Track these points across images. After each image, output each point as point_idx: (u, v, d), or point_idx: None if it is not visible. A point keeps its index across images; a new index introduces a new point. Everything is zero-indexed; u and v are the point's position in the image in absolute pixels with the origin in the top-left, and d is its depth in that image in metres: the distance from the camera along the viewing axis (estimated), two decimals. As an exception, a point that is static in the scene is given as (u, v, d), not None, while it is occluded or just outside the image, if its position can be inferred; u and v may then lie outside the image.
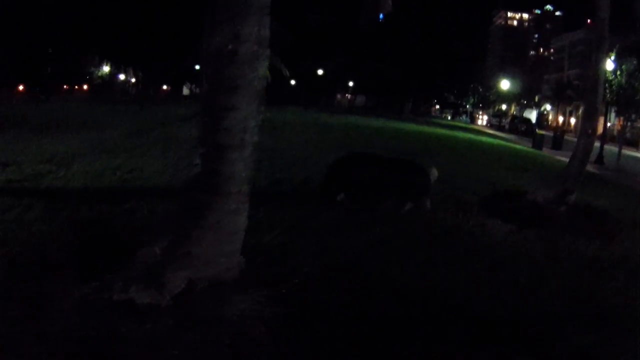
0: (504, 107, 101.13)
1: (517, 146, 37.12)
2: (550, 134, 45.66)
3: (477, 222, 10.25)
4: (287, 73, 52.67)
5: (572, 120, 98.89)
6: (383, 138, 26.92)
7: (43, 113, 26.39)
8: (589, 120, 13.47)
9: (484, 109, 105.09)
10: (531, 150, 36.23)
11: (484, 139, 39.32)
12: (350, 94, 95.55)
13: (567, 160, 30.33)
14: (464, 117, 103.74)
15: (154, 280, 5.03)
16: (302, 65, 61.68)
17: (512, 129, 67.19)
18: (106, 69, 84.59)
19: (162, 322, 4.79)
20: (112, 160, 12.82)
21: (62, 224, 7.36)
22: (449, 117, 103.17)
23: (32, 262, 5.90)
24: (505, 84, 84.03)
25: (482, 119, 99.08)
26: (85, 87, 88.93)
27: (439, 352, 5.02)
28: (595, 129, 14.18)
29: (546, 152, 36.87)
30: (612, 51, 36.58)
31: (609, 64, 37.55)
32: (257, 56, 5.24)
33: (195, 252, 5.10)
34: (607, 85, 38.30)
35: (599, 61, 13.17)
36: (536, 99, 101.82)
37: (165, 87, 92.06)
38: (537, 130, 46.96)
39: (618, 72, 37.08)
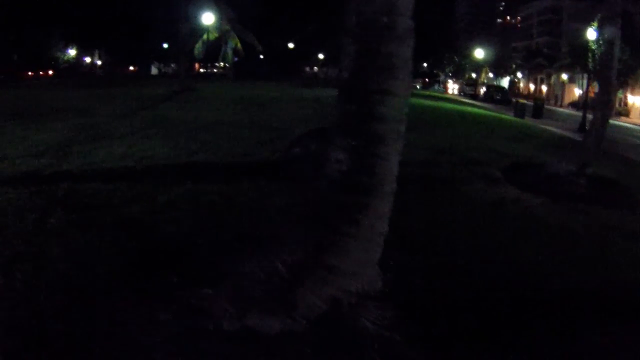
0: (473, 75, 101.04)
1: (502, 115, 36.85)
2: (526, 102, 45.73)
3: (513, 196, 10.34)
4: (260, 48, 52.03)
5: (544, 88, 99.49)
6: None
7: (16, 100, 24.90)
8: (604, 94, 13.61)
9: (456, 78, 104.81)
10: (515, 119, 36.12)
11: (468, 109, 39.04)
12: (322, 66, 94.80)
13: (552, 129, 31.07)
14: (436, 86, 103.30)
15: (280, 302, 4.18)
16: (272, 39, 60.87)
17: (488, 98, 66.86)
18: (72, 52, 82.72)
19: (305, 355, 3.89)
20: (114, 147, 11.81)
21: (96, 231, 6.34)
22: (418, 87, 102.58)
23: (80, 283, 4.94)
24: (479, 53, 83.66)
25: (454, 88, 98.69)
26: (50, 72, 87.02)
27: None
28: (612, 103, 14.64)
29: (528, 120, 36.96)
30: (594, 21, 36.74)
31: (592, 34, 37.81)
32: (411, 32, 4.31)
33: (340, 264, 4.25)
34: (589, 54, 38.54)
35: (613, 37, 13.12)
36: (513, 66, 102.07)
37: (132, 67, 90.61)
38: (518, 100, 46.83)
39: (600, 42, 37.15)
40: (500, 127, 25.39)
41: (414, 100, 40.26)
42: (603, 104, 13.55)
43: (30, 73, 79.89)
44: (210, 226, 6.72)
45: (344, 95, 4.33)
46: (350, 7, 4.27)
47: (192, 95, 29.07)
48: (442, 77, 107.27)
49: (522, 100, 44.32)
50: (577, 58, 66.48)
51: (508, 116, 37.43)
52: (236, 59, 52.87)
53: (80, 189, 8.16)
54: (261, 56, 59.09)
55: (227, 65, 59.04)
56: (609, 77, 13.47)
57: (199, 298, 4.49)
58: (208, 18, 43.11)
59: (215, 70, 77.47)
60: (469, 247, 6.97)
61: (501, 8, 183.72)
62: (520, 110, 39.43)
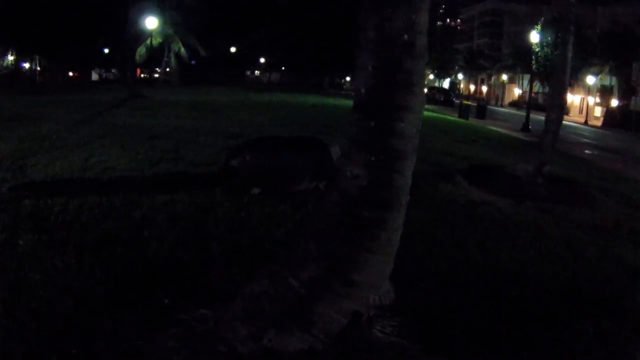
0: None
1: (448, 117, 37.43)
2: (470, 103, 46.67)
3: (479, 199, 10.61)
4: (204, 52, 51.67)
5: (484, 89, 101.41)
6: (324, 114, 26.56)
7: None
8: (558, 95, 14.11)
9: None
10: (461, 120, 36.81)
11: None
12: (264, 70, 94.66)
13: (497, 129, 31.77)
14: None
15: (298, 320, 4.12)
16: (216, 43, 60.51)
17: (431, 99, 67.79)
18: (10, 58, 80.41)
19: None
20: (71, 158, 11.32)
21: (72, 252, 5.88)
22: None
23: (67, 312, 4.59)
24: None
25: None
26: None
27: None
28: (564, 103, 14.89)
29: (473, 121, 37.66)
30: (536, 24, 37.83)
31: (535, 36, 38.98)
32: (427, 48, 4.37)
33: (360, 278, 4.23)
34: (533, 56, 39.66)
35: (567, 42, 13.61)
36: (455, 68, 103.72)
37: (71, 73, 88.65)
38: (462, 101, 47.60)
39: (544, 44, 38.44)
40: (449, 129, 25.76)
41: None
42: (558, 106, 13.95)
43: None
44: (194, 240, 6.49)
45: (360, 111, 4.27)
46: (367, 22, 4.19)
47: (142, 101, 28.52)
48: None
49: (466, 102, 45.08)
50: (519, 59, 68.22)
51: (453, 117, 38.04)
52: (193, 62, 52.31)
53: (45, 205, 7.72)
54: (203, 61, 58.42)
55: (168, 70, 58.38)
56: (563, 80, 13.96)
57: (200, 320, 4.34)
58: (151, 22, 42.44)
59: (156, 75, 76.49)
60: (452, 250, 7.11)
61: (441, 11, 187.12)
62: (464, 112, 40.16)
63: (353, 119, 4.33)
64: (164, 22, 45.63)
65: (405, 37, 4.09)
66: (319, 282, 4.21)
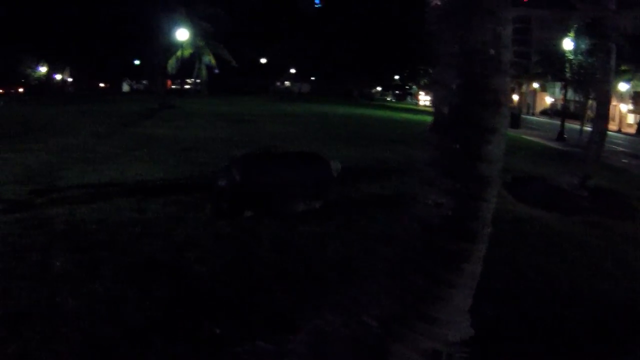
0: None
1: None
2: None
3: (526, 213, 10.34)
4: (235, 63, 51.71)
5: (515, 97, 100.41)
6: (359, 126, 26.32)
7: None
8: (602, 106, 13.96)
9: (426, 90, 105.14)
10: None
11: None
12: (294, 80, 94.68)
13: (533, 139, 31.13)
14: (409, 98, 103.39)
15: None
16: (246, 54, 60.63)
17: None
18: (42, 69, 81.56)
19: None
20: (104, 171, 11.10)
21: (110, 275, 5.60)
22: (388, 99, 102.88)
23: (110, 344, 4.28)
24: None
25: (425, 100, 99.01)
26: (20, 89, 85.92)
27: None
28: (608, 114, 14.69)
29: (507, 130, 37.15)
30: (570, 31, 37.09)
31: (569, 44, 38.21)
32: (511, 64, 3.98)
33: (441, 314, 3.89)
34: (566, 64, 38.92)
35: (610, 52, 13.35)
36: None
37: (102, 84, 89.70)
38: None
39: (578, 52, 37.64)
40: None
41: (398, 115, 40.27)
42: (602, 118, 13.77)
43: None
44: (242, 265, 6.18)
45: (443, 132, 3.89)
46: (447, 34, 3.83)
47: (173, 112, 28.51)
48: (414, 90, 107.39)
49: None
50: (549, 67, 67.30)
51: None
52: (223, 73, 52.41)
53: (79, 221, 7.50)
54: (233, 71, 58.61)
55: (197, 80, 58.53)
56: (606, 90, 13.78)
57: (257, 354, 4.04)
58: (182, 34, 42.56)
59: (187, 86, 77.01)
60: (511, 269, 6.86)
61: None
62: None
63: (433, 141, 3.94)
64: (194, 34, 45.73)
65: (492, 51, 3.74)
66: (397, 319, 3.89)
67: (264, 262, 6.32)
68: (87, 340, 4.30)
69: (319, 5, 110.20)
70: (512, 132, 35.30)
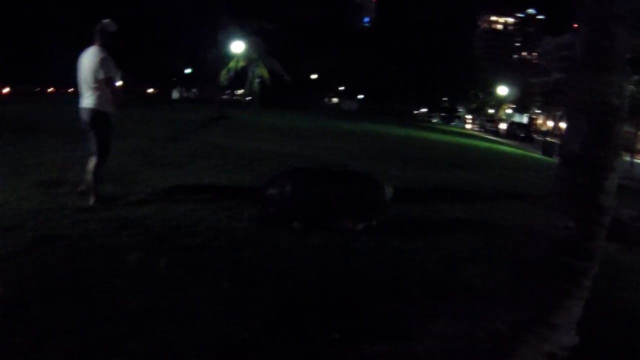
0: (491, 111, 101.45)
1: (534, 154, 36.73)
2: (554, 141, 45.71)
3: None
4: (288, 77, 52.31)
5: (562, 125, 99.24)
6: (417, 148, 26.53)
7: (48, 116, 24.96)
8: None
9: (474, 114, 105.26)
10: (546, 158, 35.96)
11: (502, 147, 39.02)
12: (342, 97, 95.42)
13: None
14: (456, 121, 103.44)
15: None
16: (296, 69, 61.22)
17: (510, 135, 66.85)
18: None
19: None
20: (180, 177, 11.30)
21: (211, 278, 5.71)
22: (434, 120, 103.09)
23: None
24: (502, 89, 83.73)
25: (472, 125, 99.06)
26: (71, 89, 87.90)
27: None
28: None
29: (556, 159, 36.73)
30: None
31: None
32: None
33: (561, 322, 4.54)
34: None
35: None
36: (537, 104, 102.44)
37: (151, 89, 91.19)
38: (546, 138, 46.80)
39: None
40: (541, 169, 25.13)
41: (448, 138, 40.26)
42: None
43: (51, 89, 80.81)
44: (347, 273, 6.33)
45: (573, 167, 4.58)
46: (579, 85, 4.54)
47: (230, 123, 28.90)
48: (462, 113, 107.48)
49: (550, 139, 44.29)
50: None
51: (538, 155, 37.30)
52: (274, 86, 52.99)
53: (171, 223, 7.73)
54: (283, 86, 59.30)
55: (246, 92, 59.22)
56: None
57: (381, 355, 4.34)
58: (238, 46, 43.30)
59: (234, 97, 77.95)
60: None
61: (517, 44, 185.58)
62: (549, 149, 39.32)
63: (564, 174, 4.63)
64: (248, 46, 46.45)
65: (616, 101, 4.40)
66: (526, 324, 4.49)
67: (356, 272, 6.45)
68: (209, 340, 4.45)
69: (368, 24, 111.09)
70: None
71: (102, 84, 8.36)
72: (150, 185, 10.23)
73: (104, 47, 8.50)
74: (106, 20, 8.66)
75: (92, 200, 8.51)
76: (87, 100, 8.51)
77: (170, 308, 4.96)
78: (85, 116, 8.56)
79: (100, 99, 8.46)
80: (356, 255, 7.12)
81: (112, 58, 8.52)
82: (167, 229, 7.46)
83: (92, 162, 8.70)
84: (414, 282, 6.20)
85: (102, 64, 8.31)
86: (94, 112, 8.49)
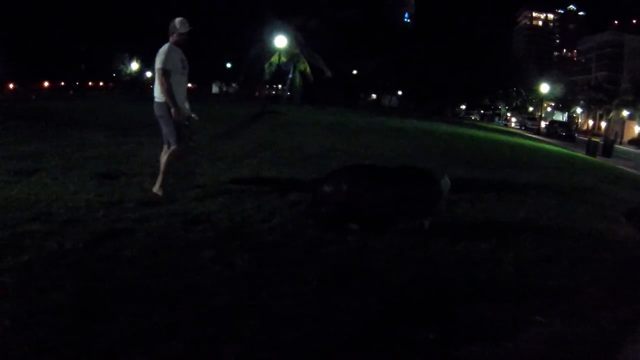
0: (530, 109, 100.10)
1: (577, 154, 36.10)
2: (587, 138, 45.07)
3: None
4: (329, 73, 52.13)
5: (603, 124, 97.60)
6: (472, 146, 26.10)
7: (92, 110, 25.39)
8: None
9: (514, 112, 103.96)
10: (590, 158, 35.32)
11: (547, 146, 38.41)
12: (383, 93, 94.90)
13: (630, 169, 30.14)
14: (496, 119, 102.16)
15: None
16: (338, 65, 61.03)
17: (551, 133, 66.02)
18: (135, 66, 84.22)
19: None
20: (244, 171, 11.39)
21: (295, 270, 5.72)
22: (473, 118, 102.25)
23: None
24: (545, 87, 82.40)
25: (512, 122, 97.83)
26: (110, 84, 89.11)
27: None
28: None
29: (600, 159, 36.14)
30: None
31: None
32: None
33: None
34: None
35: None
36: (580, 102, 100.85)
37: (189, 85, 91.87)
38: (590, 138, 46.00)
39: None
40: (587, 168, 24.71)
41: (494, 136, 39.70)
42: None
43: (90, 84, 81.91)
44: (430, 273, 6.24)
45: None
46: None
47: (278, 118, 28.80)
48: (503, 111, 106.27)
49: (595, 139, 43.54)
50: (640, 95, 65.31)
51: (581, 154, 36.65)
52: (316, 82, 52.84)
53: (241, 218, 7.73)
54: (325, 82, 59.14)
55: (285, 88, 59.16)
56: None
57: (478, 357, 4.28)
58: (281, 41, 43.31)
59: (274, 92, 77.96)
60: None
61: (557, 41, 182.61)
62: (592, 149, 38.67)
63: None
64: (290, 42, 46.45)
65: None
66: (628, 324, 4.72)
67: (436, 272, 6.36)
68: (304, 341, 4.37)
69: (408, 21, 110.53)
70: (605, 161, 34.37)
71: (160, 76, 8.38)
72: (210, 180, 10.28)
73: (173, 44, 8.58)
74: (178, 19, 8.72)
75: (161, 192, 8.65)
76: (154, 92, 8.67)
77: (260, 307, 4.85)
78: (154, 107, 8.66)
79: (159, 91, 8.52)
80: (431, 255, 7.01)
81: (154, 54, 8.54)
82: (236, 225, 7.42)
83: (166, 154, 8.76)
84: (496, 282, 6.12)
85: (158, 56, 8.41)
86: (156, 104, 8.62)
